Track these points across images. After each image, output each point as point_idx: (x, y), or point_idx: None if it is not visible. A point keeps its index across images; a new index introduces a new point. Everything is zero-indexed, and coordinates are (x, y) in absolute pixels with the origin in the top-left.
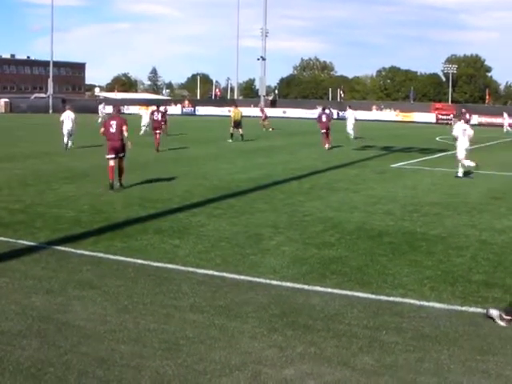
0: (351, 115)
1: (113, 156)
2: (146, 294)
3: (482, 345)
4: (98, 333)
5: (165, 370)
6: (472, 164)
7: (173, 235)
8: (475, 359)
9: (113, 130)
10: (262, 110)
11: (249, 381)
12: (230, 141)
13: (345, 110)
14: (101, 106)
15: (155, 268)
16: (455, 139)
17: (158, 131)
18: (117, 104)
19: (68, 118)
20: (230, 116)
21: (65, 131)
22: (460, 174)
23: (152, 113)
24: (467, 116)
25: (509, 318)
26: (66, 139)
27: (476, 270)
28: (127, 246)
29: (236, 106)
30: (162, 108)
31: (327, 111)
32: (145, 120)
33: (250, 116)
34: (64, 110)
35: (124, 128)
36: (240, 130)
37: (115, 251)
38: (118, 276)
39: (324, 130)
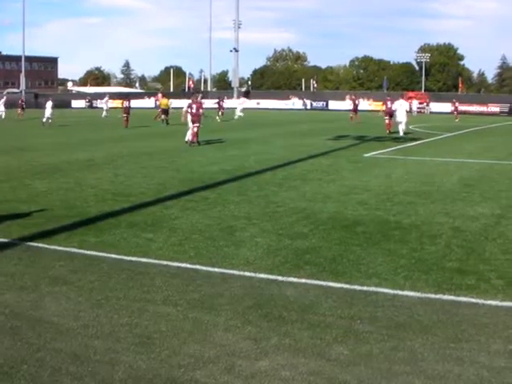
0: (242, 101)
1: (196, 125)
2: (119, 289)
3: (455, 332)
4: (71, 329)
5: (138, 365)
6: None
7: (146, 229)
8: (449, 347)
9: (193, 110)
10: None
11: (223, 373)
12: (165, 125)
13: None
14: (105, 100)
15: (129, 262)
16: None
17: (125, 115)
18: (195, 94)
19: (48, 105)
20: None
21: (46, 114)
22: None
23: (122, 102)
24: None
25: None
26: (45, 120)
27: (450, 257)
28: (100, 241)
29: (163, 96)
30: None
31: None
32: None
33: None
34: (47, 100)
35: (201, 110)
36: (165, 115)
37: (89, 246)
38: (91, 271)
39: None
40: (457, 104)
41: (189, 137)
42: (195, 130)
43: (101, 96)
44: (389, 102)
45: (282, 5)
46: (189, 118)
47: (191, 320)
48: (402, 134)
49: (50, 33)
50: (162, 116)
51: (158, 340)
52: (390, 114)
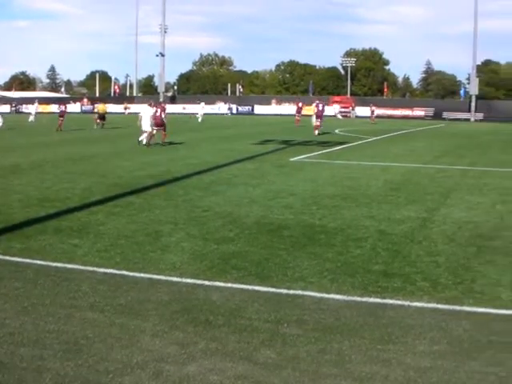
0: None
1: (156, 128)
2: (45, 295)
3: (382, 334)
4: None
5: (66, 371)
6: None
7: (72, 234)
8: (376, 349)
9: (158, 113)
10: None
11: (151, 379)
12: (95, 127)
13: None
14: (35, 106)
15: (55, 268)
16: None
17: (60, 118)
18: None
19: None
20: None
21: None
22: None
23: (59, 106)
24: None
25: None
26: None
27: (375, 260)
28: (26, 247)
29: (100, 102)
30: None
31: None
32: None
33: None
34: None
35: (163, 114)
36: (103, 121)
37: (14, 252)
38: (17, 278)
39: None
40: (373, 108)
41: (144, 138)
42: (154, 132)
43: (27, 101)
44: (320, 105)
45: (207, 9)
46: (145, 121)
47: (118, 326)
48: (317, 133)
49: None
50: (99, 120)
51: (86, 346)
52: (320, 116)
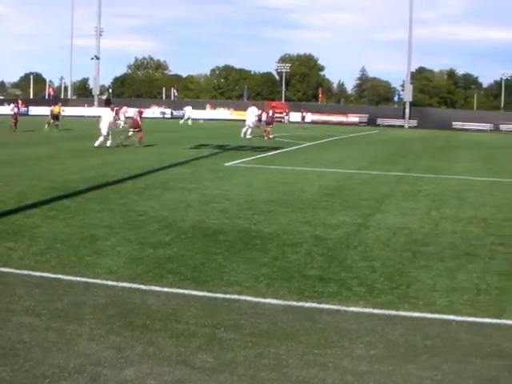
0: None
1: (132, 130)
2: None
3: (319, 339)
4: None
5: (2, 376)
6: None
7: (6, 237)
8: (313, 353)
9: (135, 117)
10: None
11: (88, 383)
12: (47, 128)
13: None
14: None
15: None
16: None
17: (14, 121)
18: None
19: None
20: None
21: None
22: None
23: (12, 108)
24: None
25: None
26: None
27: (311, 265)
28: None
29: (56, 104)
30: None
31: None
32: None
33: (84, 116)
34: None
35: (139, 118)
36: (57, 121)
37: None
38: None
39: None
40: (304, 114)
41: (99, 142)
42: (137, 134)
43: None
44: (270, 111)
45: (143, 12)
46: (103, 125)
47: (55, 330)
48: (243, 135)
49: None
50: (52, 121)
51: (22, 351)
52: (271, 122)
